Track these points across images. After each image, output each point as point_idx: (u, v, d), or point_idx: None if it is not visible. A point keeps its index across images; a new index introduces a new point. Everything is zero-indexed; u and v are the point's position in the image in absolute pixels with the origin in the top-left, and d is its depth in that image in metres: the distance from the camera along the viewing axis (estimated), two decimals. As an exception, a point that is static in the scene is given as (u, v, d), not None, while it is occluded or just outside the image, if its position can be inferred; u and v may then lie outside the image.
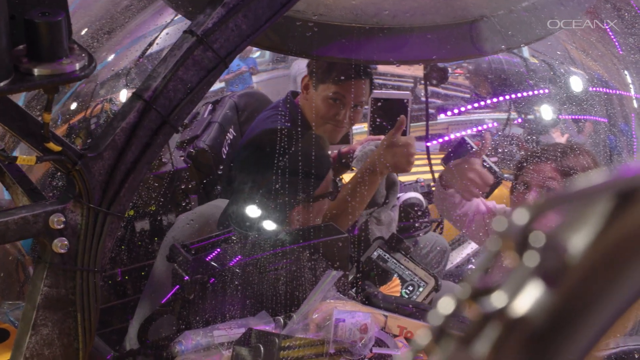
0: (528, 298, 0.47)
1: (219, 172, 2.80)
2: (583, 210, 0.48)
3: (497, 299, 0.48)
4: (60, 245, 1.86)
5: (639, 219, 0.47)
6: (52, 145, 1.78)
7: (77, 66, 1.72)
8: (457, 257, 3.50)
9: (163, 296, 2.53)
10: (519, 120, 3.16)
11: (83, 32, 3.08)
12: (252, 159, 2.84)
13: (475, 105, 3.29)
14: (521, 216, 0.48)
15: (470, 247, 3.52)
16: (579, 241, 0.47)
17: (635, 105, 3.12)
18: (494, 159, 3.15)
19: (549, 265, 0.47)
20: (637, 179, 0.47)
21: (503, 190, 3.40)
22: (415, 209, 3.20)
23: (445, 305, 0.49)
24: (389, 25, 2.42)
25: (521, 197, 2.79)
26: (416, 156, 3.36)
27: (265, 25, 2.02)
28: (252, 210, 2.65)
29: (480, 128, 3.48)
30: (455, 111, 3.21)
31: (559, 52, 3.13)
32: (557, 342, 0.47)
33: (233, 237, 2.46)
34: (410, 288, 2.78)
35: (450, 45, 2.51)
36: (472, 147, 3.13)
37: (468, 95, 3.78)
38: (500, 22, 2.46)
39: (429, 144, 3.15)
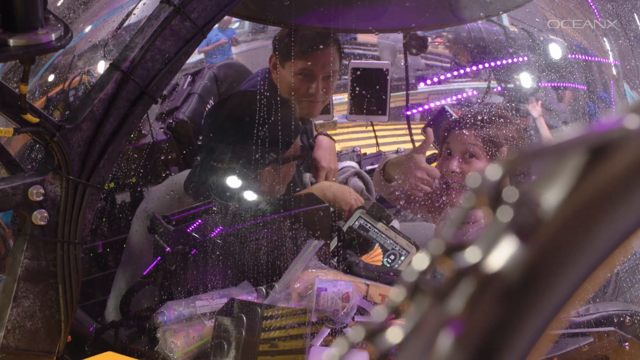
0: (502, 253, 0.47)
1: (199, 143, 2.79)
2: (556, 166, 0.48)
3: (471, 255, 0.48)
4: (40, 217, 1.85)
5: (611, 174, 0.47)
6: (29, 117, 1.77)
7: (53, 36, 1.71)
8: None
9: (140, 267, 2.53)
10: (499, 88, 3.16)
11: (59, 3, 3.05)
12: (223, 125, 2.81)
13: (455, 73, 3.29)
14: (494, 172, 0.48)
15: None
16: (552, 196, 0.47)
17: (614, 72, 3.13)
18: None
19: (523, 221, 0.47)
20: (609, 134, 0.47)
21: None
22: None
23: (419, 261, 0.50)
24: (367, -7, 2.41)
25: (445, 163, 2.79)
26: (396, 125, 3.38)
27: (243, -6, 2.01)
28: (232, 181, 2.65)
29: (460, 96, 3.48)
30: (435, 80, 3.20)
31: (537, 20, 3.13)
32: (531, 297, 0.47)
33: (214, 208, 2.46)
34: (392, 257, 2.79)
35: (429, 13, 2.50)
36: (451, 116, 3.14)
37: (448, 65, 3.78)
38: (479, -11, 2.46)
39: (409, 112, 3.15)
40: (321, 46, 2.82)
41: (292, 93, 2.85)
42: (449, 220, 0.50)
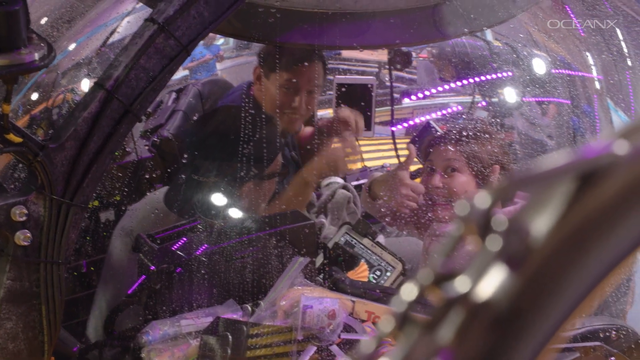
0: (491, 282, 0.47)
1: (183, 161, 2.78)
2: (545, 193, 0.47)
3: (460, 284, 0.47)
4: (22, 237, 1.84)
5: (601, 200, 0.47)
6: (12, 137, 1.76)
7: (37, 56, 1.71)
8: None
9: (121, 286, 2.51)
10: (484, 103, 3.17)
11: (43, 22, 3.04)
12: (206, 142, 2.80)
13: (440, 89, 3.29)
14: (483, 199, 0.47)
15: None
16: (541, 224, 0.47)
17: (598, 86, 3.14)
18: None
19: (512, 249, 0.47)
20: (597, 160, 0.47)
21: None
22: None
23: (408, 291, 0.49)
24: (351, 10, 2.41)
25: (428, 179, 2.78)
26: (382, 140, 3.37)
27: (227, 12, 2.01)
28: (217, 198, 2.64)
29: (445, 111, 3.48)
30: (420, 95, 3.21)
31: (521, 35, 3.14)
32: (521, 326, 0.46)
33: (199, 226, 2.45)
34: (378, 273, 2.79)
35: (413, 30, 2.50)
36: (436, 131, 3.14)
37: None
38: (463, 6, 2.46)
39: (394, 128, 3.15)
40: (306, 61, 2.82)
41: (275, 104, 2.85)
42: (438, 249, 0.49)
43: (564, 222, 0.47)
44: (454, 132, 2.78)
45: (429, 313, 0.48)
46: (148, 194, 2.88)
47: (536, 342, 0.47)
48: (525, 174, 0.48)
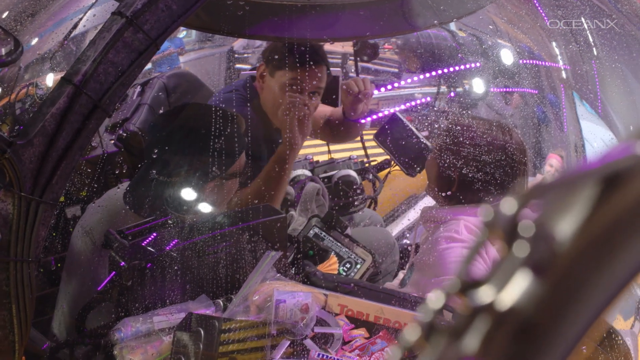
0: (517, 289, 0.46)
1: (154, 156, 2.75)
2: (569, 198, 0.47)
3: (487, 292, 0.47)
4: (-9, 236, 1.81)
5: (625, 202, 0.47)
6: (-21, 135, 1.73)
7: (3, 51, 1.68)
8: (391, 231, 3.52)
9: (84, 284, 2.48)
10: (452, 94, 3.18)
11: (4, 15, 2.98)
12: (173, 137, 2.78)
13: (409, 81, 3.30)
14: (509, 205, 0.47)
15: (403, 222, 3.54)
16: (566, 229, 0.46)
17: (564, 75, 3.16)
18: (425, 133, 3.17)
19: (539, 255, 0.46)
20: (620, 162, 0.46)
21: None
22: (354, 186, 3.20)
23: (435, 299, 0.48)
24: (320, 2, 2.40)
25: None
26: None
27: (196, 5, 1.99)
28: (188, 193, 2.62)
29: (411, 104, 3.49)
30: (389, 87, 3.21)
31: (491, 27, 3.15)
32: (547, 332, 0.46)
33: (169, 222, 2.42)
34: (348, 265, 2.79)
35: (383, 22, 2.49)
36: (404, 122, 3.14)
37: (397, 70, 3.79)
38: (432, -3, 2.47)
39: (362, 120, 3.15)
40: (312, 62, 2.82)
41: (277, 102, 2.85)
42: (464, 256, 0.48)
43: (588, 226, 0.46)
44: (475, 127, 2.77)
45: (455, 321, 0.47)
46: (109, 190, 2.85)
47: (562, 348, 0.46)
48: (550, 179, 0.47)
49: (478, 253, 0.50)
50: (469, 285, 0.47)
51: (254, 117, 2.88)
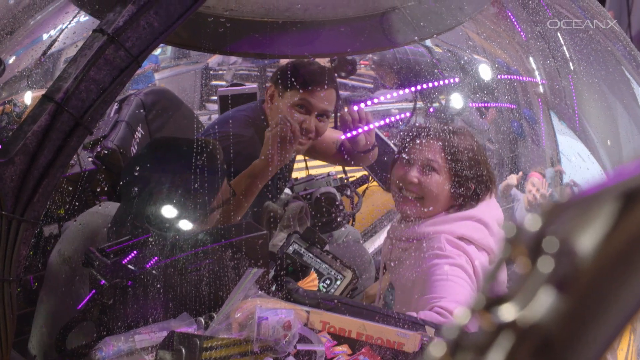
0: (541, 305, 0.46)
1: (135, 174, 2.74)
2: (590, 214, 0.47)
3: (510, 309, 0.47)
4: (-27, 255, 1.79)
5: (645, 219, 0.47)
6: (-40, 153, 1.72)
7: (-15, 69, 1.67)
8: (369, 247, 3.52)
9: (62, 304, 2.46)
10: (431, 110, 3.19)
11: (-18, 33, 2.97)
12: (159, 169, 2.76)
13: (389, 96, 3.31)
14: (533, 222, 0.47)
15: (381, 238, 3.55)
16: (588, 245, 0.47)
17: (542, 90, 3.18)
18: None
19: (563, 271, 0.46)
20: (638, 179, 0.47)
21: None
22: (336, 203, 3.21)
23: (461, 316, 0.49)
24: (301, 19, 2.40)
25: (402, 170, 2.76)
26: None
27: (177, 22, 1.99)
28: (169, 211, 2.61)
29: (388, 120, 3.50)
30: (369, 103, 3.22)
31: (470, 43, 3.17)
32: (569, 349, 0.46)
33: (150, 239, 2.41)
34: (328, 282, 2.78)
35: (363, 38, 2.50)
36: (381, 138, 3.16)
37: (372, 85, 3.81)
38: (411, 13, 2.47)
39: (342, 137, 3.15)
40: (323, 84, 2.82)
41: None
42: (486, 273, 0.49)
43: (610, 241, 0.46)
44: (436, 127, 2.77)
45: (479, 337, 0.47)
46: (85, 210, 2.83)
47: (585, 364, 0.47)
48: (572, 195, 0.47)
49: (499, 269, 0.50)
50: (493, 301, 0.47)
51: (256, 140, 2.88)
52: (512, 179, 3.07)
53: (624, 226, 0.47)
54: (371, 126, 3.04)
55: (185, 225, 2.59)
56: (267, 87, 2.98)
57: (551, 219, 0.47)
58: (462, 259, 2.59)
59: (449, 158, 2.69)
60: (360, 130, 3.00)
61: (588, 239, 0.46)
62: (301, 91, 2.82)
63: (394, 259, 2.80)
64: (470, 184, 2.70)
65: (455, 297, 2.48)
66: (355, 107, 3.05)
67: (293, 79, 2.78)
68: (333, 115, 3.07)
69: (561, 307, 0.46)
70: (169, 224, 2.56)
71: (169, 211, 2.59)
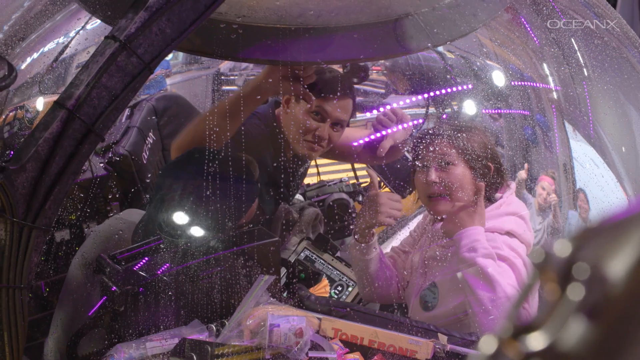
0: (571, 334, 0.45)
1: (147, 180, 2.73)
2: (620, 240, 0.46)
3: (539, 337, 0.46)
4: (-17, 262, 1.79)
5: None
6: (-29, 160, 1.71)
7: (-3, 76, 1.66)
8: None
9: (81, 309, 2.46)
10: (444, 116, 3.17)
11: (-3, 39, 2.97)
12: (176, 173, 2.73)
13: (401, 103, 3.29)
14: (562, 248, 0.46)
15: (393, 244, 3.53)
16: (619, 271, 0.45)
17: (555, 96, 3.16)
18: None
19: (594, 298, 0.45)
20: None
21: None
22: (349, 210, 3.20)
23: (487, 344, 0.47)
24: (313, 25, 2.39)
25: (422, 176, 2.74)
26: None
27: (190, 29, 1.98)
28: (181, 218, 2.60)
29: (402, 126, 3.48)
30: (381, 109, 3.20)
31: (485, 50, 3.15)
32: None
33: (161, 246, 2.40)
34: (340, 288, 2.78)
35: (377, 44, 2.48)
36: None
37: (384, 91, 3.79)
38: (425, 20, 2.46)
39: (354, 143, 3.14)
40: (342, 93, 2.81)
41: (299, 128, 2.82)
42: (513, 299, 0.47)
43: (640, 268, 0.45)
44: (441, 127, 2.76)
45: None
46: (110, 215, 2.83)
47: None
48: (601, 222, 0.46)
49: (527, 296, 0.49)
50: (521, 330, 0.46)
51: (266, 145, 2.86)
52: (521, 174, 3.06)
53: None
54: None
55: (198, 231, 2.58)
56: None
57: (581, 245, 0.46)
58: (519, 261, 2.58)
59: (459, 146, 2.68)
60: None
61: (619, 265, 0.45)
62: (318, 98, 2.80)
63: (431, 258, 2.76)
64: (488, 162, 2.69)
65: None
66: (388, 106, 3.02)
67: (312, 86, 2.75)
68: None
69: (592, 336, 0.45)
70: (185, 231, 2.54)
71: (182, 218, 2.58)
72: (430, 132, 2.77)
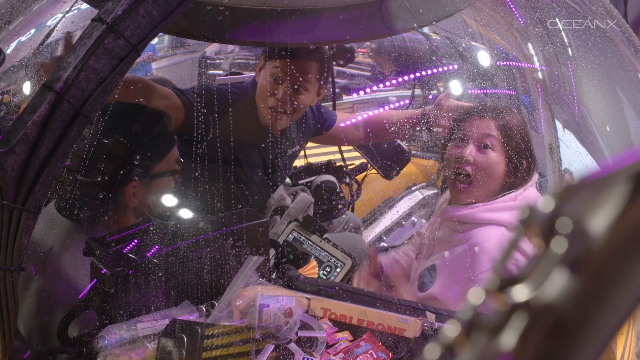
0: (554, 286, 0.47)
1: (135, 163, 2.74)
2: (602, 195, 0.48)
3: (524, 289, 0.47)
4: (-26, 245, 1.80)
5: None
6: (-39, 143, 1.72)
7: (-15, 59, 1.66)
8: (369, 234, 3.53)
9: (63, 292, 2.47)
10: (430, 97, 3.19)
11: (-20, 23, 2.97)
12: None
13: (388, 84, 3.31)
14: (546, 203, 0.48)
15: (381, 225, 3.55)
16: (601, 225, 0.47)
17: (540, 76, 3.18)
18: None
19: (576, 251, 0.47)
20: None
21: (410, 167, 3.44)
22: (337, 191, 3.21)
23: (475, 297, 0.49)
24: (300, 6, 2.40)
25: (458, 149, 2.74)
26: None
27: (176, 11, 1.98)
28: (169, 199, 2.61)
29: (387, 107, 3.50)
30: (368, 91, 3.21)
31: (470, 30, 3.16)
32: (582, 329, 0.47)
33: (151, 228, 2.41)
34: (328, 269, 2.79)
35: (363, 25, 2.50)
36: None
37: (370, 74, 3.80)
38: (410, 1, 2.47)
39: (342, 125, 3.15)
40: (301, 55, 2.81)
41: (263, 93, 2.84)
42: (500, 254, 0.49)
43: (622, 222, 0.47)
44: (491, 108, 2.77)
45: (493, 318, 0.47)
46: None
47: (597, 344, 0.47)
48: (583, 178, 0.48)
49: (512, 250, 0.50)
50: (506, 282, 0.48)
51: (243, 115, 2.87)
52: None
53: (636, 207, 0.47)
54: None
55: (187, 213, 2.60)
56: (259, 60, 2.97)
57: (564, 201, 0.48)
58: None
59: (503, 134, 2.68)
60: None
61: (600, 220, 0.47)
62: (278, 60, 2.81)
63: (441, 242, 2.78)
64: (523, 160, 2.70)
65: None
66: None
67: (276, 50, 2.77)
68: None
69: (574, 288, 0.46)
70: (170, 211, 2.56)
71: (170, 200, 2.59)
72: (477, 109, 2.78)
